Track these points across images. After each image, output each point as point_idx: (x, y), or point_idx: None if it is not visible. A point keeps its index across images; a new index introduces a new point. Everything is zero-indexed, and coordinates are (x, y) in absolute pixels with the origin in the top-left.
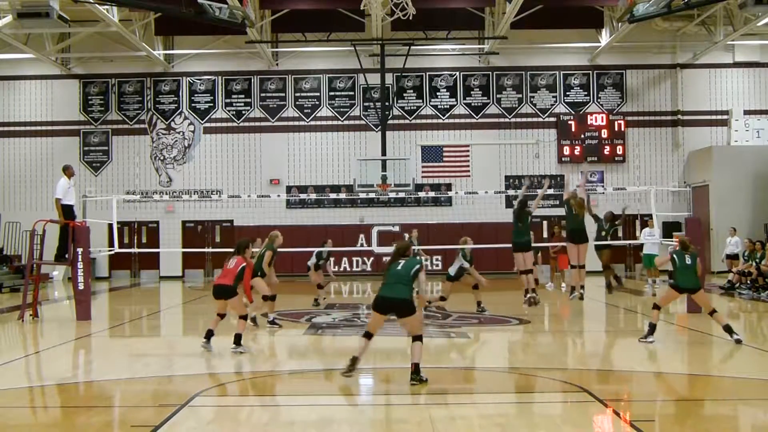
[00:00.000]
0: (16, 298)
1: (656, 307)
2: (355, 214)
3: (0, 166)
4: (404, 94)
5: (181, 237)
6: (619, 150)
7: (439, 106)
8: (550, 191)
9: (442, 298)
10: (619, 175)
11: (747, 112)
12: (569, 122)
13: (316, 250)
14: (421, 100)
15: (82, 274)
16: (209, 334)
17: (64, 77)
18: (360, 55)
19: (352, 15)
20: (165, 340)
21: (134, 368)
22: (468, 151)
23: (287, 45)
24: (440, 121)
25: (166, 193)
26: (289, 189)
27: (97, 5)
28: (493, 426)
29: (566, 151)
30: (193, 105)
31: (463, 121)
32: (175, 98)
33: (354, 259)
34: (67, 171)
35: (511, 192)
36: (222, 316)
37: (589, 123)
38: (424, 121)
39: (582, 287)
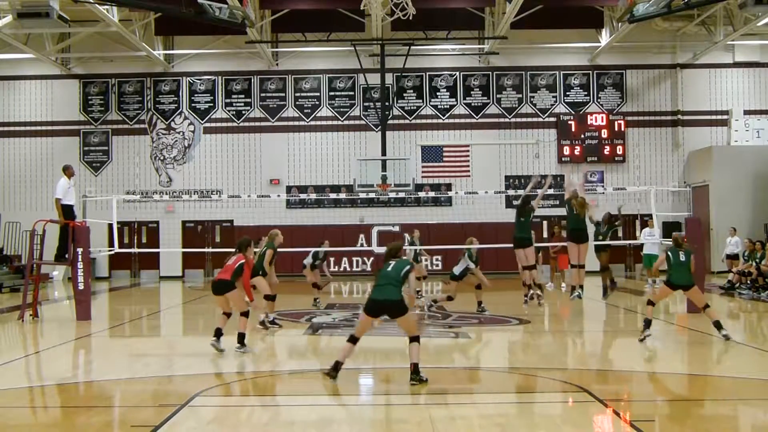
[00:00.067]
0: (16, 298)
1: (650, 303)
2: (355, 214)
3: (0, 166)
4: (404, 94)
5: (181, 237)
6: (619, 150)
7: (439, 106)
8: (551, 191)
9: (450, 298)
10: (619, 175)
11: (747, 112)
12: (569, 122)
13: (313, 250)
14: (421, 100)
15: (82, 274)
16: (218, 333)
17: (64, 77)
18: (360, 55)
19: (352, 15)
20: (165, 340)
21: (134, 368)
22: (468, 151)
23: (287, 45)
24: (440, 121)
25: (166, 193)
26: (289, 189)
27: (97, 5)
28: (493, 426)
29: (566, 151)
30: (193, 105)
31: (463, 121)
32: (175, 98)
33: (354, 259)
34: (67, 171)
35: (511, 192)
36: (228, 315)
37: (589, 123)
38: (424, 121)
39: (581, 287)
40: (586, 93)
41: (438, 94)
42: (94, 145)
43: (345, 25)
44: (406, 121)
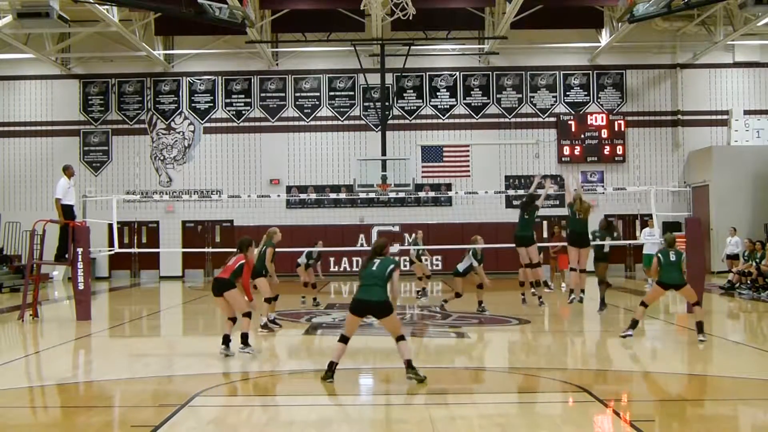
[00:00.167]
0: (16, 298)
1: (643, 304)
2: (355, 214)
3: (0, 166)
4: (404, 94)
5: (181, 237)
6: (619, 150)
7: (439, 106)
8: (551, 191)
9: (458, 295)
10: (619, 175)
11: (747, 112)
12: (569, 122)
13: (306, 250)
14: (421, 100)
15: (82, 274)
16: (226, 340)
17: (64, 77)
18: (360, 55)
19: (352, 15)
20: (165, 340)
21: (134, 368)
22: (468, 151)
23: (287, 45)
24: (440, 121)
25: (166, 193)
26: (289, 189)
27: (97, 5)
28: (493, 426)
29: (566, 151)
30: (193, 105)
31: (463, 121)
32: (175, 98)
33: (354, 259)
34: (67, 171)
35: (511, 192)
36: (233, 320)
37: (589, 123)
38: (424, 121)
39: (582, 291)
40: (586, 93)
41: (438, 94)
42: (94, 145)
43: (345, 25)
44: (406, 121)
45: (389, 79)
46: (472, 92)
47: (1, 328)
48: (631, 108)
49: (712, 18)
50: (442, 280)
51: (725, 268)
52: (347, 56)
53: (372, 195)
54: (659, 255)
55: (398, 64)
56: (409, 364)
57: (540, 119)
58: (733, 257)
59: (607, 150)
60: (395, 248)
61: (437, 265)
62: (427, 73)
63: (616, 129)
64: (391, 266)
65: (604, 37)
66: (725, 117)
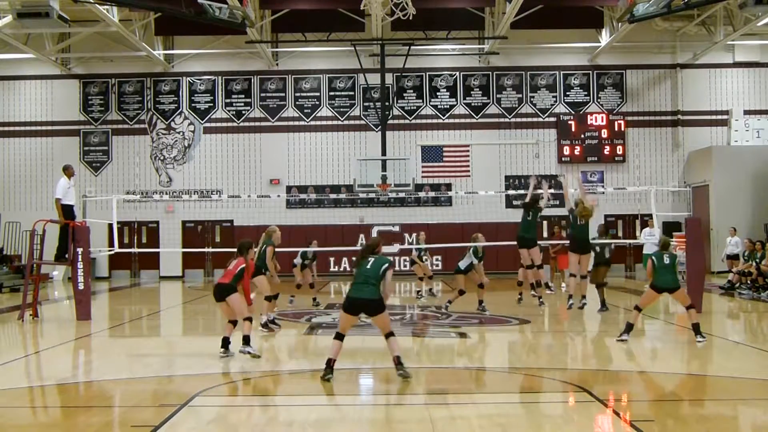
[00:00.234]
0: (16, 298)
1: (637, 308)
2: (355, 214)
3: (0, 166)
4: (404, 94)
5: (181, 237)
6: (619, 150)
7: (439, 106)
8: (551, 191)
9: (461, 292)
10: (619, 175)
11: (747, 112)
12: (569, 122)
13: (301, 250)
14: (421, 100)
15: (82, 274)
16: (225, 343)
17: (64, 77)
18: (360, 55)
19: (352, 15)
20: (165, 340)
21: (134, 368)
22: (468, 151)
23: (287, 45)
24: (440, 121)
25: (166, 193)
26: (289, 189)
27: (97, 5)
28: (493, 426)
29: (566, 151)
30: (193, 105)
31: (463, 121)
32: (175, 98)
33: (354, 259)
34: (67, 171)
35: (511, 192)
36: (234, 323)
37: (589, 123)
38: (424, 121)
39: (584, 297)
40: (586, 93)
41: (438, 94)
42: (94, 145)
43: (345, 25)
44: (406, 121)
45: (389, 79)
46: (472, 92)
47: (1, 328)
48: (631, 108)
49: (712, 18)
50: (442, 280)
51: (725, 268)
52: (347, 56)
53: (372, 195)
54: (653, 258)
55: (398, 64)
56: (398, 361)
57: (540, 119)
58: (733, 257)
59: (607, 150)
60: (395, 248)
61: (437, 265)
62: (427, 73)
63: (616, 129)
64: (385, 265)
65: (604, 37)
66: (725, 117)
